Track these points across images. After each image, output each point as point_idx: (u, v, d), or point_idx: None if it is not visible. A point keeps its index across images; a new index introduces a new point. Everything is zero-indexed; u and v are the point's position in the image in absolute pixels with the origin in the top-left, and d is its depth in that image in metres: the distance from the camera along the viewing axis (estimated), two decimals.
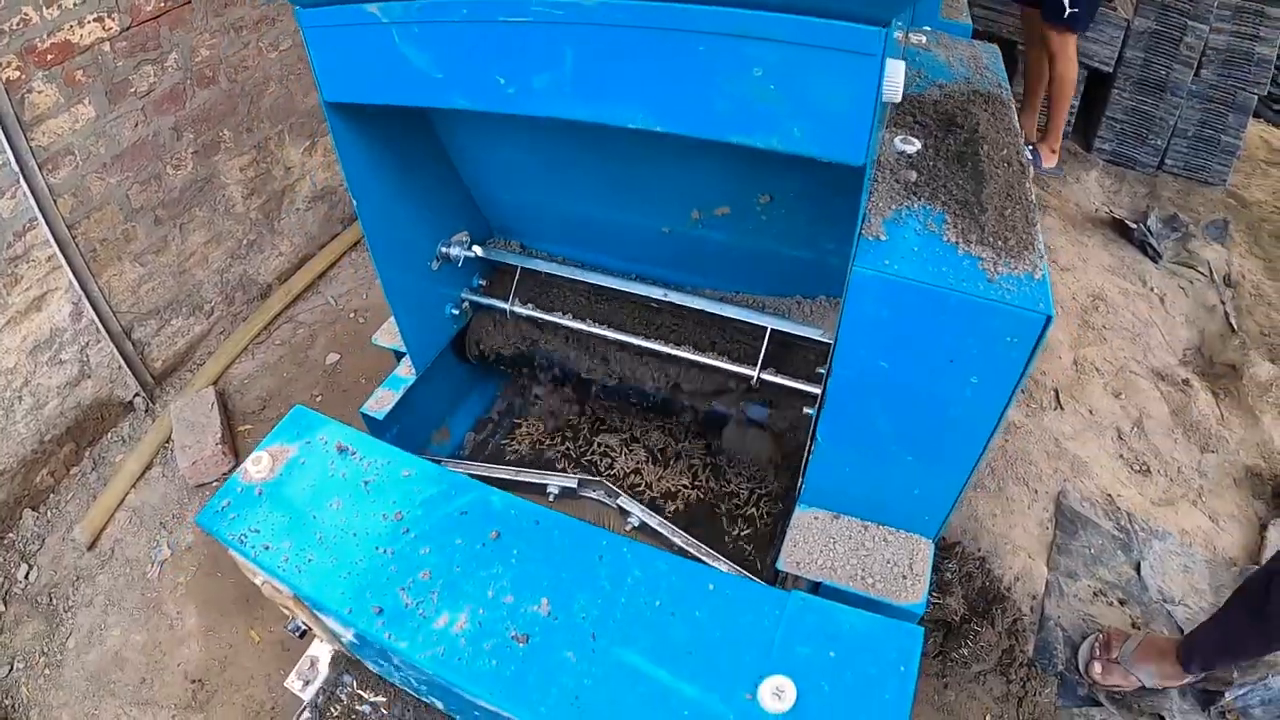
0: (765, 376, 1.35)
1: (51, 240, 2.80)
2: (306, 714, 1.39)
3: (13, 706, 2.58)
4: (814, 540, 1.22)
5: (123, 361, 3.11)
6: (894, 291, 0.98)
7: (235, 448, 3.06)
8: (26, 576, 2.86)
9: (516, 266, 1.54)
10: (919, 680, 2.16)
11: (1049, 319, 0.94)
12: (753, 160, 0.98)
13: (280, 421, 1.34)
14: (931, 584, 1.23)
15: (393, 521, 1.15)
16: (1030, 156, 4.03)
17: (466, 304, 1.62)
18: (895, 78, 0.82)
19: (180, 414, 3.02)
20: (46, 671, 2.63)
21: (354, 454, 1.26)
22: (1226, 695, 2.23)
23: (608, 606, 1.03)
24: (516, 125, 1.14)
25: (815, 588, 1.23)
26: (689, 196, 1.31)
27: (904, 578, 1.17)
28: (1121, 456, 2.89)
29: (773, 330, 1.33)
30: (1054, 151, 3.96)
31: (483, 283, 1.64)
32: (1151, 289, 3.51)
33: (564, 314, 1.52)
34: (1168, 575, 2.59)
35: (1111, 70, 3.95)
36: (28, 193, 2.68)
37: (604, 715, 0.93)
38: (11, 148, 2.58)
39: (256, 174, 3.45)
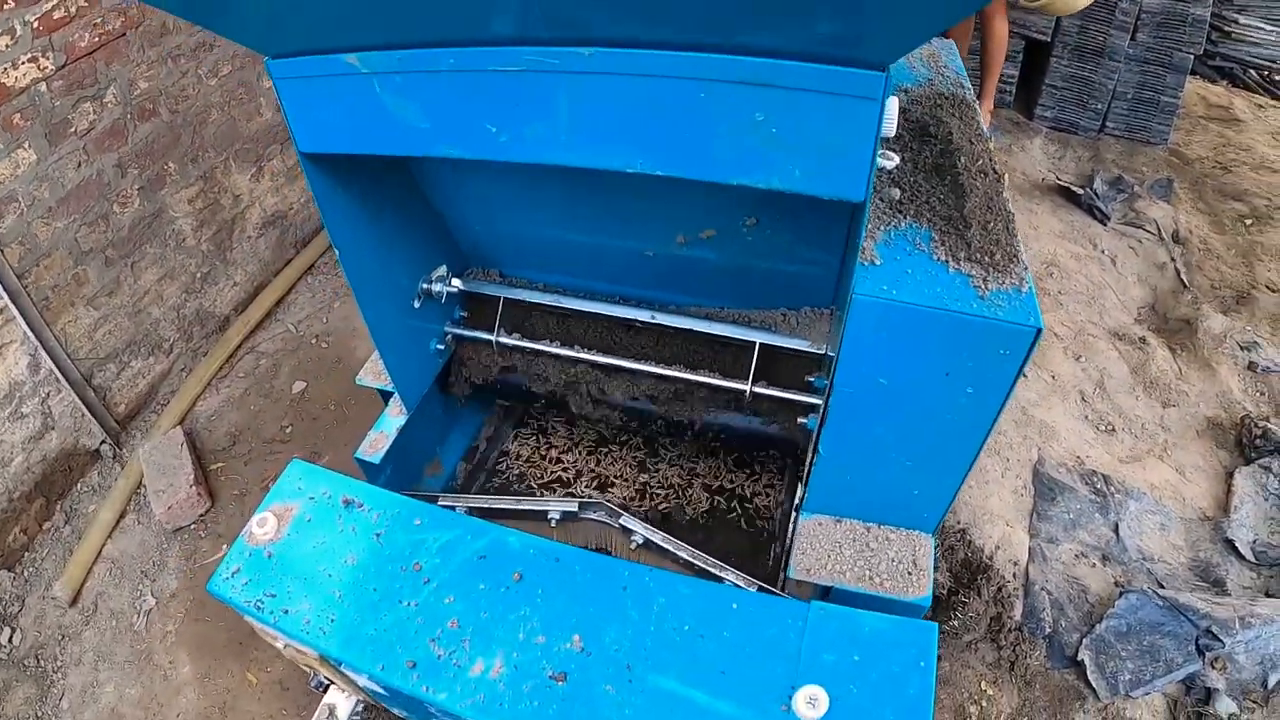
0: (758, 390, 1.41)
1: (2, 292, 2.76)
2: None
3: None
4: (821, 546, 1.29)
5: (85, 409, 3.08)
6: (892, 314, 1.06)
7: (209, 487, 3.07)
8: (10, 640, 2.84)
9: (499, 297, 1.56)
10: None
11: (1039, 331, 1.02)
12: (741, 188, 1.03)
13: (279, 478, 1.34)
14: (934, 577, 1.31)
15: (412, 573, 1.18)
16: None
17: (450, 337, 1.63)
18: (891, 113, 0.89)
19: (149, 457, 3.00)
20: None
21: (360, 506, 1.27)
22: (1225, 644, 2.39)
23: (639, 636, 1.09)
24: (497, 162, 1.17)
25: (826, 592, 1.30)
26: (675, 222, 1.35)
27: (909, 574, 1.25)
28: (1086, 418, 3.04)
29: (761, 345, 1.39)
30: (990, 113, 4.10)
31: (464, 314, 1.65)
32: (1102, 251, 3.67)
33: (550, 341, 1.56)
34: (1145, 534, 2.75)
35: (1049, 39, 4.11)
36: None
37: None
38: None
39: (205, 205, 3.42)
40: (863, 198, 0.94)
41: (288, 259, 3.95)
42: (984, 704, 2.29)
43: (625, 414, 1.58)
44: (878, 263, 1.09)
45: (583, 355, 1.52)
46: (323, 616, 1.15)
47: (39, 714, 2.65)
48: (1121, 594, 2.53)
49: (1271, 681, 2.39)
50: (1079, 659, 2.38)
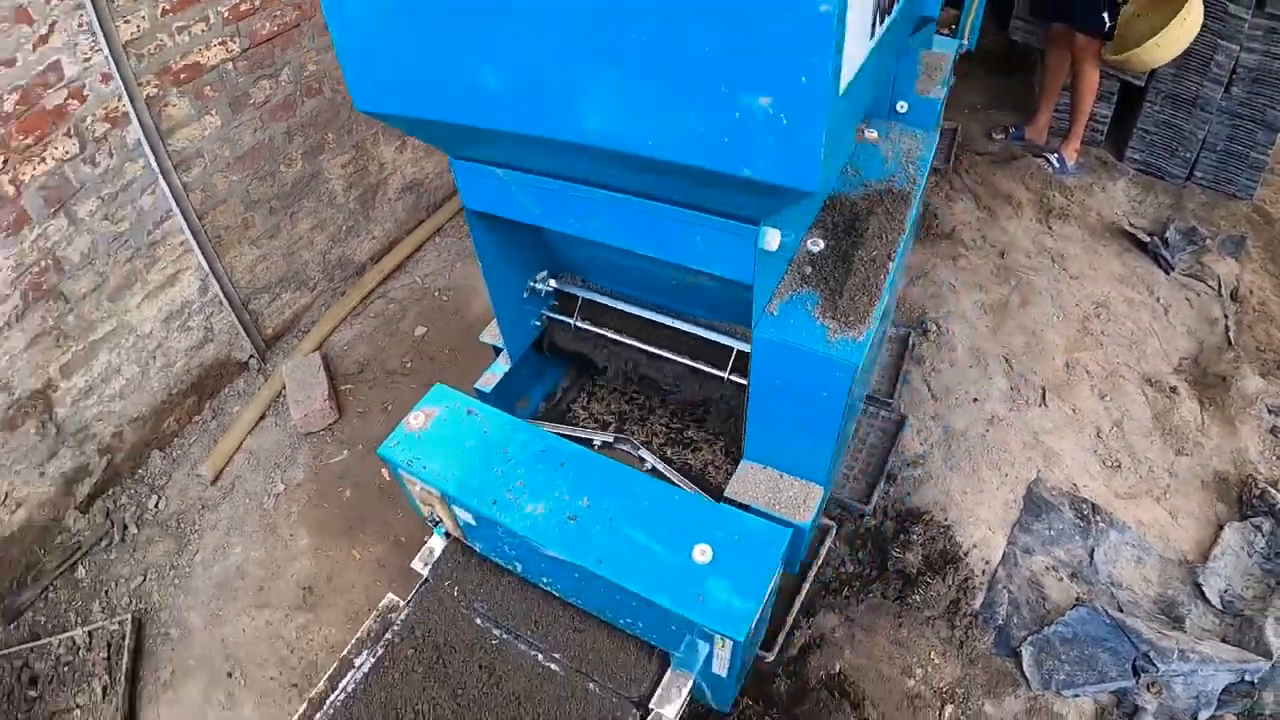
0: (732, 378, 2.23)
1: (184, 228, 3.75)
2: (426, 584, 2.32)
3: (146, 608, 3.55)
4: (749, 481, 2.10)
5: (240, 328, 4.08)
6: (775, 347, 1.84)
7: (339, 403, 4.00)
8: (157, 505, 3.86)
9: (579, 296, 2.47)
10: (880, 618, 2.97)
11: (857, 366, 1.75)
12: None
13: (427, 394, 2.24)
14: (820, 510, 2.07)
15: (501, 454, 2.06)
16: (1057, 164, 4.71)
17: (545, 317, 2.57)
18: (770, 237, 1.62)
19: (292, 373, 3.99)
20: (176, 581, 3.62)
21: (478, 415, 2.17)
22: (1159, 667, 2.97)
23: (622, 505, 1.95)
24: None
25: (746, 508, 2.10)
26: (683, 272, 2.20)
27: (799, 506, 2.04)
28: (1095, 452, 3.58)
29: (737, 350, 2.22)
30: (1076, 151, 4.66)
31: (556, 304, 2.58)
32: (1158, 299, 4.15)
33: (608, 328, 2.45)
34: (1119, 563, 3.24)
35: (1143, 85, 4.56)
36: (165, 189, 3.63)
37: (615, 558, 1.83)
38: (152, 152, 3.50)
39: (355, 170, 4.38)
40: (751, 282, 1.71)
41: (420, 220, 4.92)
42: (929, 669, 2.96)
43: (650, 384, 2.49)
44: (775, 313, 1.86)
45: (626, 340, 2.41)
46: (446, 472, 2.03)
47: (175, 564, 3.64)
48: (1075, 606, 3.14)
49: (1201, 717, 2.86)
50: (1019, 651, 3.03)
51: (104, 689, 3.32)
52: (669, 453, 2.59)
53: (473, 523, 2.03)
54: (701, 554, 1.81)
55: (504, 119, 1.48)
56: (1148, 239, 4.30)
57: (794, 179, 1.30)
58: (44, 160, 3.23)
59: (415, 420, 2.14)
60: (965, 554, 3.18)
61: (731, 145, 1.28)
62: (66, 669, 3.39)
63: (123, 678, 3.29)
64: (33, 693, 3.34)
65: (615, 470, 2.04)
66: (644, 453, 2.43)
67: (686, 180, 1.47)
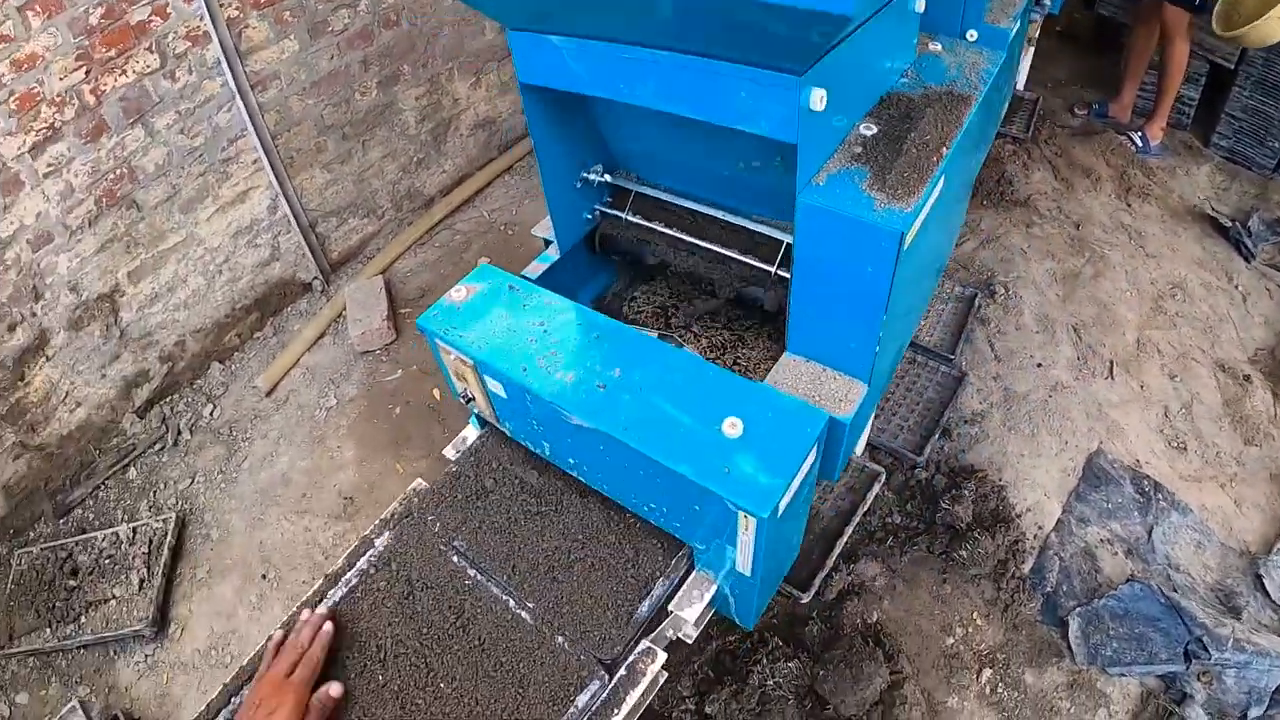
0: (780, 272, 2.07)
1: (258, 147, 3.72)
2: (454, 468, 2.21)
3: (190, 509, 3.53)
4: (790, 373, 1.93)
5: (307, 250, 4.04)
6: (819, 215, 1.67)
7: (397, 325, 3.95)
8: (211, 414, 3.84)
9: (632, 191, 2.33)
10: (922, 571, 2.77)
11: (902, 234, 1.58)
12: (763, 142, 1.68)
13: (471, 272, 2.16)
14: (861, 409, 1.89)
15: (538, 326, 1.96)
16: (1140, 143, 4.42)
17: (597, 212, 2.45)
18: (816, 97, 1.47)
19: (353, 294, 3.93)
20: (222, 485, 3.59)
21: (519, 291, 2.09)
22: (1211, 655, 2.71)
23: (653, 377, 1.82)
24: (634, 107, 1.86)
25: None
26: (735, 155, 2.06)
27: (840, 401, 1.86)
28: (1161, 431, 3.33)
29: (786, 244, 2.06)
30: (1161, 130, 4.36)
31: (609, 199, 2.45)
32: (1236, 286, 3.86)
33: (661, 224, 2.31)
34: (1178, 545, 3.00)
35: (1233, 68, 4.25)
36: (241, 108, 3.60)
37: (640, 426, 1.71)
38: (230, 71, 3.49)
39: (429, 103, 4.31)
40: (795, 141, 1.54)
41: (490, 158, 4.82)
42: (970, 630, 2.75)
43: (698, 284, 2.33)
44: (821, 184, 1.69)
45: (678, 235, 2.27)
46: (481, 340, 1.93)
47: (224, 470, 3.62)
48: (1128, 580, 2.89)
49: (1251, 715, 2.62)
50: (1066, 621, 2.79)
51: (141, 581, 3.31)
52: (713, 356, 2.47)
53: (503, 394, 1.91)
54: (731, 427, 1.68)
55: None
56: (1230, 224, 4.00)
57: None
58: (125, 73, 3.25)
59: (456, 294, 2.05)
60: (1018, 516, 2.96)
61: None
62: (108, 561, 3.39)
63: (160, 572, 3.29)
64: (72, 582, 3.36)
65: (650, 344, 1.92)
66: (687, 349, 2.29)
67: (724, 22, 1.37)
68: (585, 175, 2.30)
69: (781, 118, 1.53)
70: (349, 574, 2.05)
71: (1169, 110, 4.29)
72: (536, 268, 2.40)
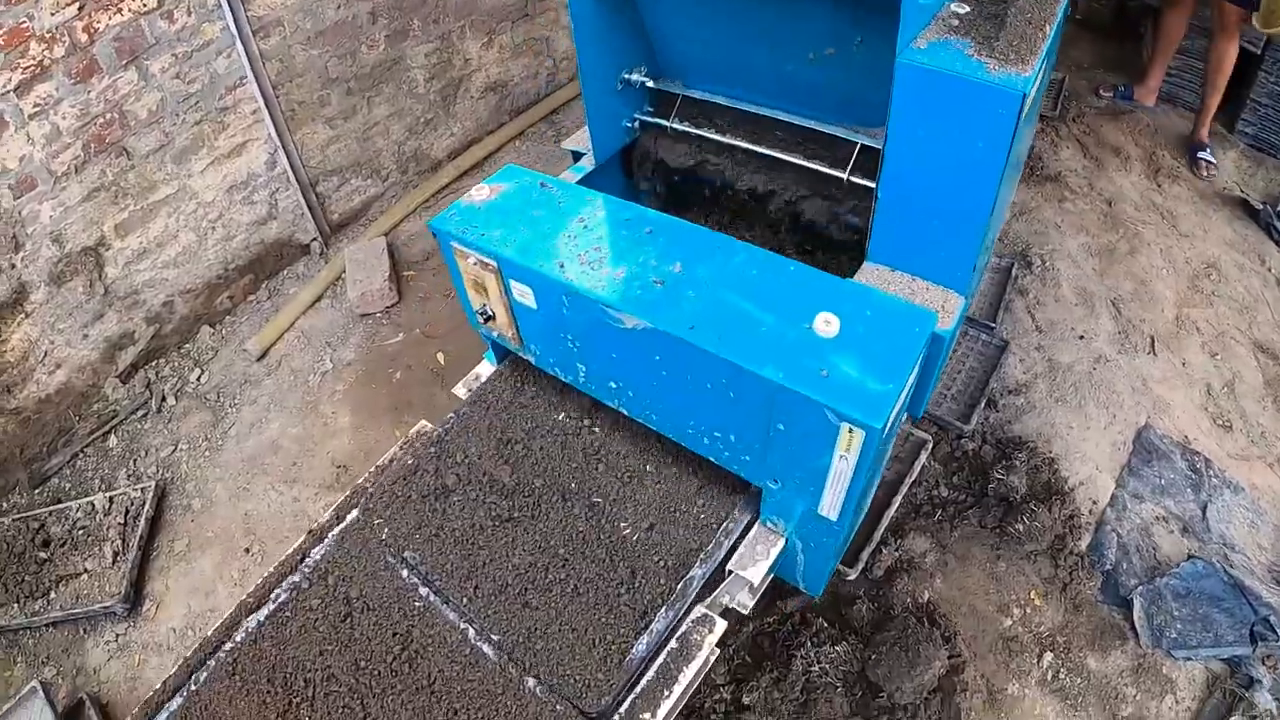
0: (853, 179, 1.75)
1: (258, 96, 3.39)
2: (466, 408, 1.88)
3: (172, 478, 3.18)
4: (873, 282, 1.62)
5: (306, 209, 3.70)
6: (923, 79, 1.38)
7: (400, 288, 3.61)
8: (199, 379, 3.48)
9: (678, 95, 2.00)
10: (975, 547, 2.48)
11: (1025, 95, 1.28)
12: (849, 11, 1.38)
13: (496, 173, 1.83)
14: (959, 323, 1.58)
15: (577, 224, 1.62)
16: (1206, 159, 4.03)
17: (637, 122, 2.13)
18: None
19: (353, 255, 3.59)
20: (207, 453, 3.23)
21: (552, 189, 1.75)
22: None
23: (721, 272, 1.50)
24: None
25: None
26: (805, 40, 1.74)
27: (939, 312, 1.55)
28: (1206, 409, 3.07)
29: (861, 145, 1.74)
30: (1207, 129, 4.06)
31: (651, 109, 2.11)
32: (1270, 269, 3.62)
33: (710, 129, 1.98)
34: (1232, 524, 2.76)
35: (1260, 52, 4.05)
36: (241, 54, 3.28)
37: (712, 326, 1.39)
38: (232, 15, 3.17)
39: (438, 61, 3.99)
40: None
41: (501, 123, 4.47)
42: (1028, 611, 2.45)
43: (752, 208, 2.00)
44: (922, 46, 1.40)
45: (731, 140, 1.93)
46: (508, 239, 1.61)
47: (209, 437, 3.26)
48: (1190, 558, 2.61)
49: None
50: (1130, 600, 2.49)
51: (115, 554, 2.99)
52: None
53: (532, 304, 1.58)
54: (825, 324, 1.36)
55: None
56: (1260, 207, 3.77)
57: None
58: (120, 11, 2.94)
59: (479, 193, 1.72)
60: (1071, 490, 2.68)
61: None
62: (82, 533, 3.07)
63: (136, 545, 2.99)
64: (44, 555, 3.03)
65: (715, 238, 1.58)
66: None
67: None
68: (626, 76, 1.98)
69: None
70: (279, 589, 1.66)
71: (1214, 110, 4.01)
72: (568, 177, 2.08)
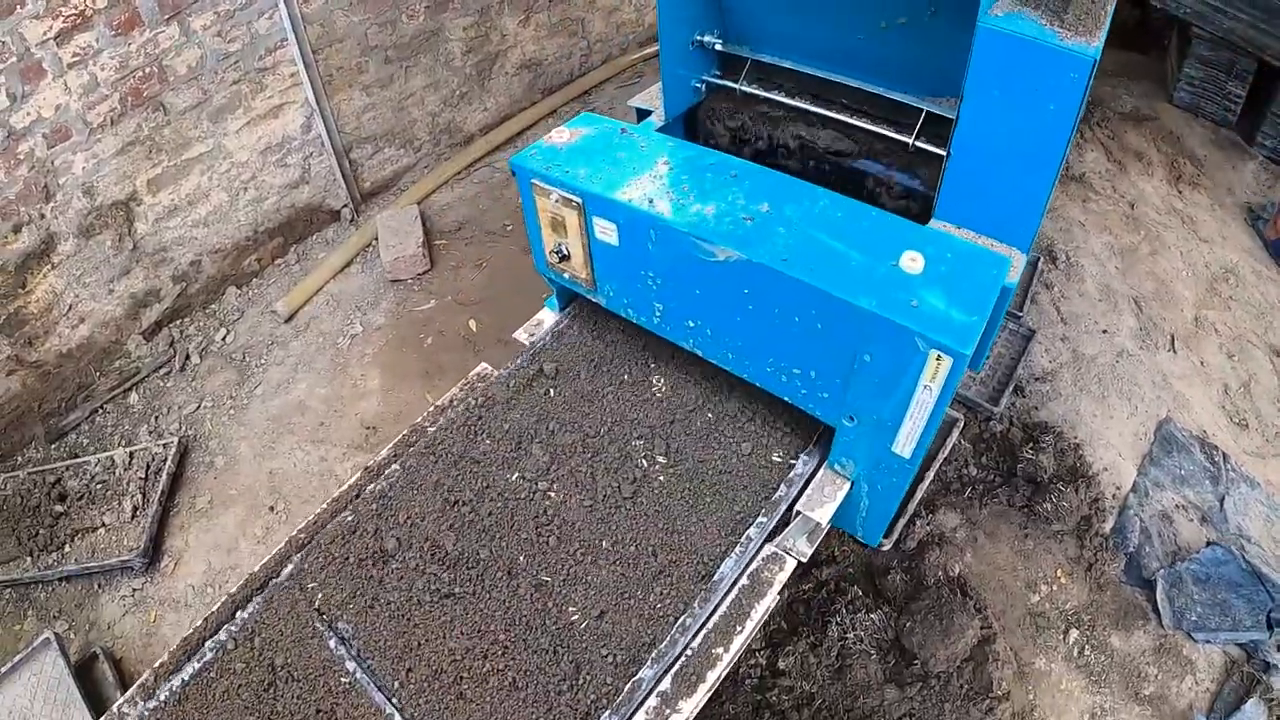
0: (919, 144, 1.78)
1: (298, 58, 3.38)
2: (414, 460, 1.86)
3: (195, 436, 3.15)
4: None
5: (339, 175, 3.69)
6: (1001, 42, 1.44)
7: (433, 255, 3.60)
8: (224, 339, 3.46)
9: (748, 58, 2.03)
10: (1003, 524, 2.49)
11: (1095, 61, 1.33)
12: None
13: (571, 120, 1.84)
14: (1016, 286, 1.61)
15: (661, 164, 1.65)
16: None
17: (705, 84, 2.15)
18: None
19: (386, 222, 3.58)
20: (232, 411, 3.20)
21: (633, 135, 1.77)
22: None
23: (809, 213, 1.54)
24: None
25: None
26: (877, 9, 1.78)
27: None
28: (1223, 407, 3.10)
29: (927, 111, 1.77)
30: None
31: (718, 71, 2.14)
32: None
33: (780, 93, 2.00)
34: (1249, 517, 2.78)
35: None
36: (284, 15, 3.27)
37: (804, 258, 1.43)
38: None
39: (476, 35, 3.98)
40: None
41: (534, 101, 4.46)
42: (1055, 588, 2.46)
43: (820, 159, 2.02)
44: (999, 15, 1.44)
45: (799, 104, 1.94)
46: (593, 176, 1.63)
47: (234, 396, 3.23)
48: (1209, 544, 2.63)
49: None
50: (1152, 582, 2.51)
51: (135, 509, 2.95)
52: None
53: (614, 240, 1.59)
54: (912, 261, 1.41)
55: None
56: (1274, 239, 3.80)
57: None
58: None
59: (559, 136, 1.73)
60: (1095, 474, 2.70)
61: None
62: (100, 487, 3.04)
63: (156, 500, 2.94)
64: (59, 508, 3.00)
65: (798, 184, 1.61)
66: None
67: None
68: (699, 38, 2.00)
69: None
70: (205, 647, 1.57)
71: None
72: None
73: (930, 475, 2.46)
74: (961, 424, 2.60)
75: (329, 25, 3.44)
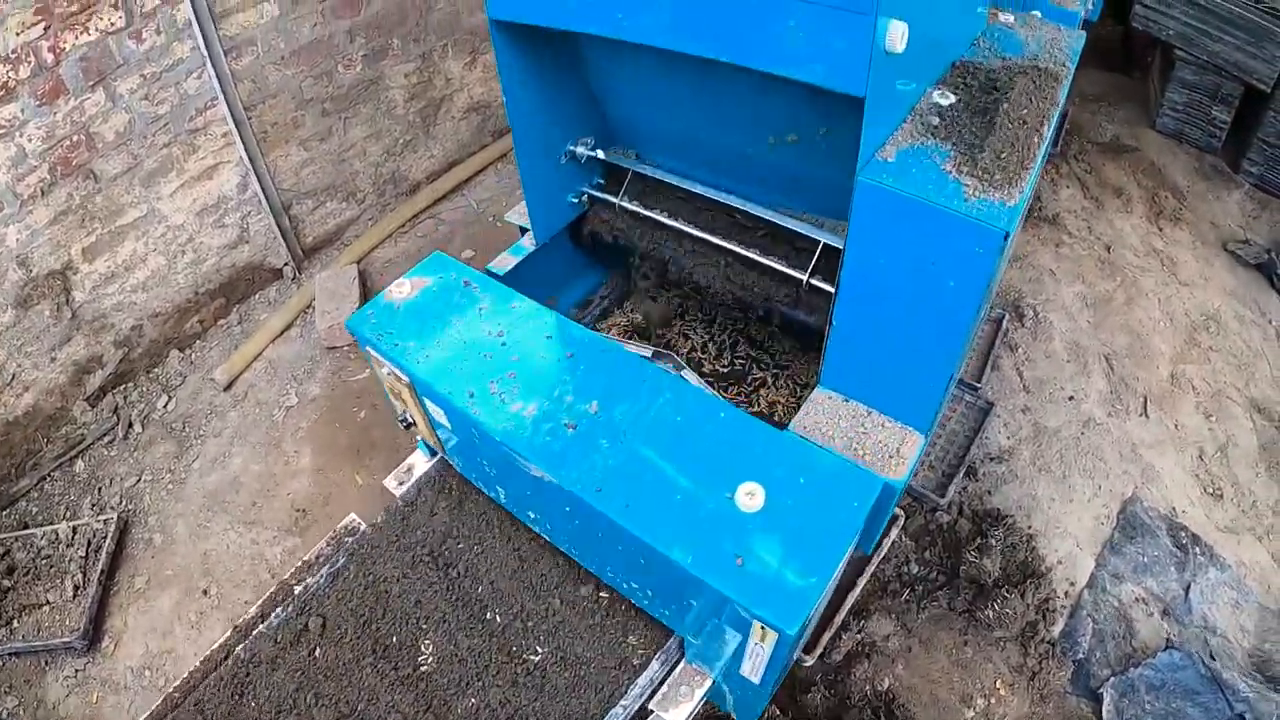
0: (814, 282, 1.56)
1: (229, 118, 3.22)
2: (398, 504, 1.71)
3: (135, 510, 3.06)
4: (824, 414, 1.43)
5: (278, 233, 3.54)
6: (887, 200, 1.18)
7: None
8: (165, 406, 3.35)
9: (629, 170, 1.80)
10: (942, 631, 2.32)
11: (1008, 234, 1.10)
12: (813, 97, 1.19)
13: (421, 262, 1.66)
14: (914, 469, 1.40)
15: (495, 337, 1.47)
16: None
17: (585, 196, 1.92)
18: (895, 32, 1.00)
19: (324, 284, 3.43)
20: (170, 485, 3.10)
21: (476, 289, 1.60)
22: None
23: (640, 415, 1.33)
24: (637, 53, 1.36)
25: None
26: (765, 124, 1.55)
27: (890, 458, 1.37)
28: (1197, 476, 2.89)
29: (824, 244, 1.54)
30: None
31: (601, 181, 1.92)
32: (1270, 320, 3.42)
33: (661, 212, 1.79)
34: (1216, 605, 2.59)
35: (1269, 91, 3.79)
36: (212, 75, 3.10)
37: (621, 489, 1.22)
38: (202, 34, 3.00)
39: (419, 81, 3.79)
40: (863, 93, 1.06)
41: (483, 144, 4.28)
42: (992, 701, 2.30)
43: (703, 288, 1.81)
44: (890, 160, 1.20)
45: (683, 227, 1.74)
46: (421, 353, 1.47)
47: (172, 469, 3.13)
48: (1167, 648, 2.45)
49: None
50: (1100, 693, 2.34)
51: (76, 588, 2.88)
52: (723, 384, 1.92)
53: (445, 424, 1.42)
54: (749, 496, 1.19)
55: None
56: (1263, 259, 3.55)
57: None
58: (87, 30, 2.79)
59: (399, 290, 1.57)
60: (1048, 570, 2.52)
61: None
62: (45, 562, 2.97)
63: (96, 579, 2.87)
64: (7, 583, 2.91)
65: (641, 370, 1.42)
66: (687, 373, 1.76)
67: None
68: (572, 149, 1.79)
69: (846, 60, 1.04)
70: None
71: None
72: (506, 260, 1.90)
73: (862, 582, 2.30)
74: (902, 521, 2.42)
75: (261, 81, 3.27)
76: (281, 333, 3.42)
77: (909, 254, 1.23)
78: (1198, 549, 2.69)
